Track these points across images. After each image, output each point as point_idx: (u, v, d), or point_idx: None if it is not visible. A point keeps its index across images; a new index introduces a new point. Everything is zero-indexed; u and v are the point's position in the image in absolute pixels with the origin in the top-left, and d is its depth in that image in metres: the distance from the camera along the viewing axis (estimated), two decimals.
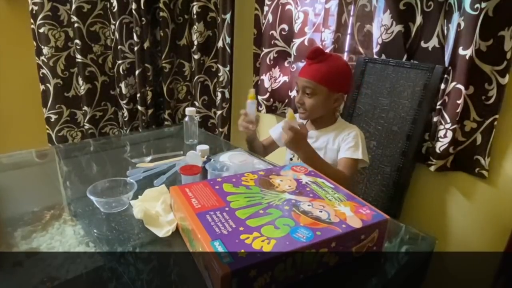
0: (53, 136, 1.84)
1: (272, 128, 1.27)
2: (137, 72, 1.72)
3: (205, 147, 1.06)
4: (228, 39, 1.62)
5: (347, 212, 0.63)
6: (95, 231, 0.69)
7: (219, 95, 1.72)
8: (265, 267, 0.50)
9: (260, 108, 1.68)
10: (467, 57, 0.98)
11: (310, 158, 0.95)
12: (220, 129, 1.79)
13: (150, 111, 1.81)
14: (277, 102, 1.65)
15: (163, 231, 0.66)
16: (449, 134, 1.06)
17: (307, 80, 1.04)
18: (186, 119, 1.19)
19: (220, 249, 0.51)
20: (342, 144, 1.05)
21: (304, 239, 0.55)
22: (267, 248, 0.52)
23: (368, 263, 0.62)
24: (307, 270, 0.56)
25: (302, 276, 0.56)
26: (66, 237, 0.67)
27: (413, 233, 0.74)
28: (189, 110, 1.19)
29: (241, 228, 0.57)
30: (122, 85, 1.79)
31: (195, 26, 1.66)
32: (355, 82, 1.31)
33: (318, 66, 1.04)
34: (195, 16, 1.65)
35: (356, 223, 0.60)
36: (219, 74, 1.69)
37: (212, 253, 0.51)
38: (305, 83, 1.05)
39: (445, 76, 1.08)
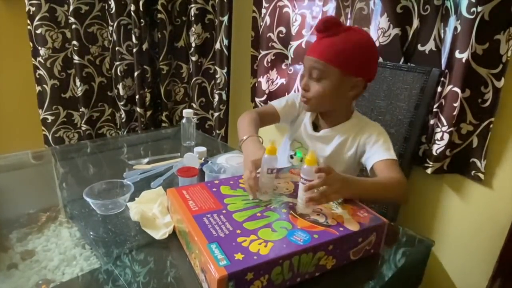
0: (50, 137, 1.83)
1: (279, 102, 1.02)
2: (136, 73, 1.72)
3: (203, 149, 1.06)
4: (225, 41, 1.63)
5: (345, 215, 0.63)
6: (91, 233, 0.69)
7: (217, 97, 1.72)
8: (262, 270, 0.50)
9: None
10: (463, 60, 0.99)
11: (363, 189, 0.72)
12: (218, 131, 1.79)
13: (147, 113, 1.81)
14: None
15: (159, 234, 0.66)
16: (446, 136, 1.06)
17: (315, 59, 0.82)
18: (184, 120, 1.19)
19: (217, 252, 0.51)
20: (368, 148, 0.87)
21: (301, 242, 0.55)
22: (264, 251, 0.52)
23: (365, 266, 0.62)
24: (304, 273, 0.56)
25: (299, 279, 0.56)
26: (62, 239, 0.67)
27: (410, 235, 0.74)
28: (187, 112, 1.19)
29: (238, 231, 0.57)
30: (120, 86, 1.78)
31: (192, 28, 1.66)
32: None
33: (331, 41, 0.81)
34: (193, 18, 1.65)
35: (354, 226, 0.60)
36: (217, 76, 1.69)
37: (209, 256, 0.51)
38: (312, 62, 0.83)
39: (442, 79, 1.08)
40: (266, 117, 0.99)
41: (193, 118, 1.22)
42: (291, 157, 1.01)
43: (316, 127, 0.97)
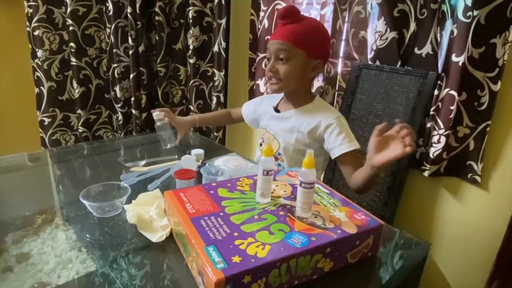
0: (46, 139, 1.82)
1: (247, 104, 1.24)
2: (131, 75, 1.72)
3: (200, 151, 1.06)
4: (223, 44, 1.63)
5: (342, 218, 0.63)
6: (87, 236, 0.69)
7: (215, 99, 1.72)
8: (260, 273, 0.50)
9: None
10: (460, 63, 0.99)
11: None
12: (215, 134, 1.79)
13: (144, 115, 1.80)
14: None
15: (156, 236, 0.66)
16: (443, 139, 1.07)
17: (281, 41, 0.92)
18: (158, 124, 1.13)
19: (214, 254, 0.51)
20: (333, 138, 0.95)
21: (299, 245, 0.54)
22: (262, 253, 0.52)
23: (363, 269, 0.62)
24: (301, 276, 0.56)
25: (297, 282, 0.56)
26: (58, 242, 0.66)
27: (407, 238, 0.74)
28: (156, 115, 1.13)
29: (235, 234, 0.57)
30: (117, 88, 1.78)
31: (190, 31, 1.66)
32: (350, 87, 1.32)
33: (294, 26, 0.91)
34: (190, 21, 1.65)
35: (351, 229, 0.60)
36: (215, 79, 1.70)
37: (206, 259, 0.50)
38: (279, 45, 0.92)
39: (439, 82, 1.09)
40: (236, 115, 1.28)
41: (165, 118, 1.15)
42: (260, 144, 1.12)
43: (278, 111, 1.07)
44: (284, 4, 1.47)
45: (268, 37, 1.52)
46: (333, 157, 0.97)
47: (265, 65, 1.57)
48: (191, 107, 1.80)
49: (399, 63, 1.19)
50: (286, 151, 1.03)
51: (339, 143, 0.94)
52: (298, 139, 1.00)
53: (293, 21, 0.91)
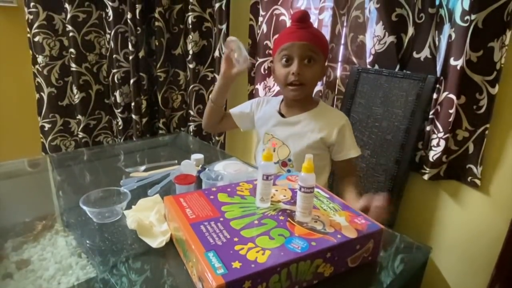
0: (47, 145, 1.82)
1: (235, 108, 1.15)
2: (131, 81, 1.72)
3: (200, 156, 1.06)
4: (224, 49, 1.64)
5: (342, 222, 0.63)
6: (87, 241, 0.68)
7: None
8: (260, 278, 0.50)
9: None
10: (458, 67, 1.00)
11: None
12: (217, 138, 1.79)
13: (144, 120, 1.81)
14: None
15: (156, 242, 0.66)
16: (442, 143, 1.07)
17: (308, 44, 0.89)
18: (233, 40, 0.94)
19: (214, 260, 0.51)
20: (341, 139, 0.95)
21: (299, 250, 0.54)
22: (262, 259, 0.52)
23: (363, 273, 0.62)
24: (302, 281, 0.55)
25: (297, 287, 0.55)
26: (58, 248, 0.66)
27: (408, 242, 0.74)
28: (234, 42, 0.96)
29: (235, 239, 0.57)
30: (117, 94, 1.79)
31: (190, 36, 1.67)
32: (349, 91, 1.32)
33: (311, 30, 0.92)
34: (190, 26, 1.66)
35: (351, 233, 0.60)
36: (214, 83, 1.70)
37: (206, 264, 0.50)
38: (307, 47, 0.89)
39: (437, 86, 1.09)
40: (225, 118, 1.13)
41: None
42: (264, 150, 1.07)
43: (283, 116, 1.04)
44: (282, 10, 1.48)
45: (267, 41, 1.53)
46: (339, 159, 0.98)
47: (264, 69, 1.58)
48: (191, 112, 1.81)
49: (398, 67, 1.19)
50: (297, 157, 0.99)
51: (348, 147, 0.97)
52: (310, 144, 0.97)
53: (306, 26, 0.92)
